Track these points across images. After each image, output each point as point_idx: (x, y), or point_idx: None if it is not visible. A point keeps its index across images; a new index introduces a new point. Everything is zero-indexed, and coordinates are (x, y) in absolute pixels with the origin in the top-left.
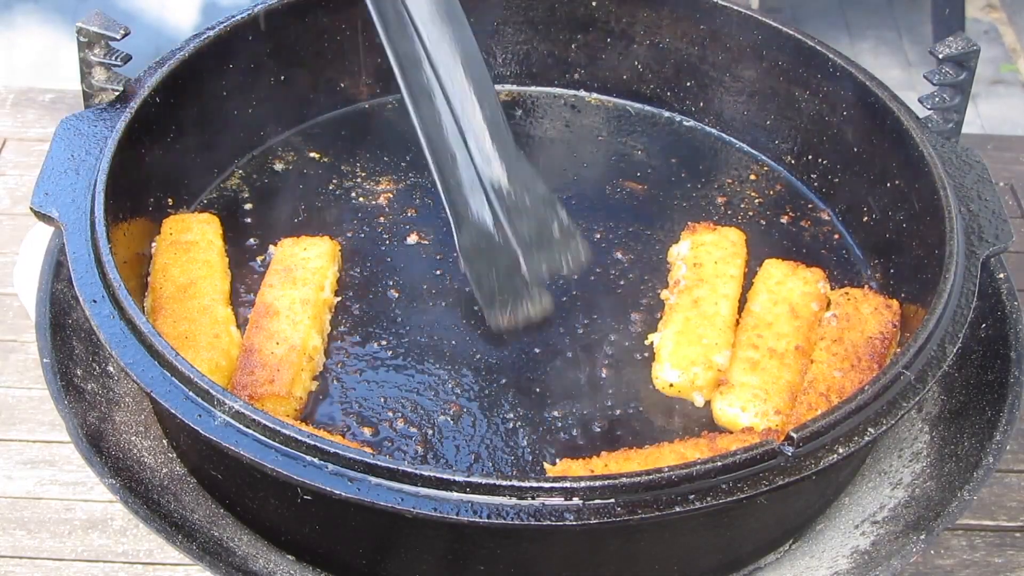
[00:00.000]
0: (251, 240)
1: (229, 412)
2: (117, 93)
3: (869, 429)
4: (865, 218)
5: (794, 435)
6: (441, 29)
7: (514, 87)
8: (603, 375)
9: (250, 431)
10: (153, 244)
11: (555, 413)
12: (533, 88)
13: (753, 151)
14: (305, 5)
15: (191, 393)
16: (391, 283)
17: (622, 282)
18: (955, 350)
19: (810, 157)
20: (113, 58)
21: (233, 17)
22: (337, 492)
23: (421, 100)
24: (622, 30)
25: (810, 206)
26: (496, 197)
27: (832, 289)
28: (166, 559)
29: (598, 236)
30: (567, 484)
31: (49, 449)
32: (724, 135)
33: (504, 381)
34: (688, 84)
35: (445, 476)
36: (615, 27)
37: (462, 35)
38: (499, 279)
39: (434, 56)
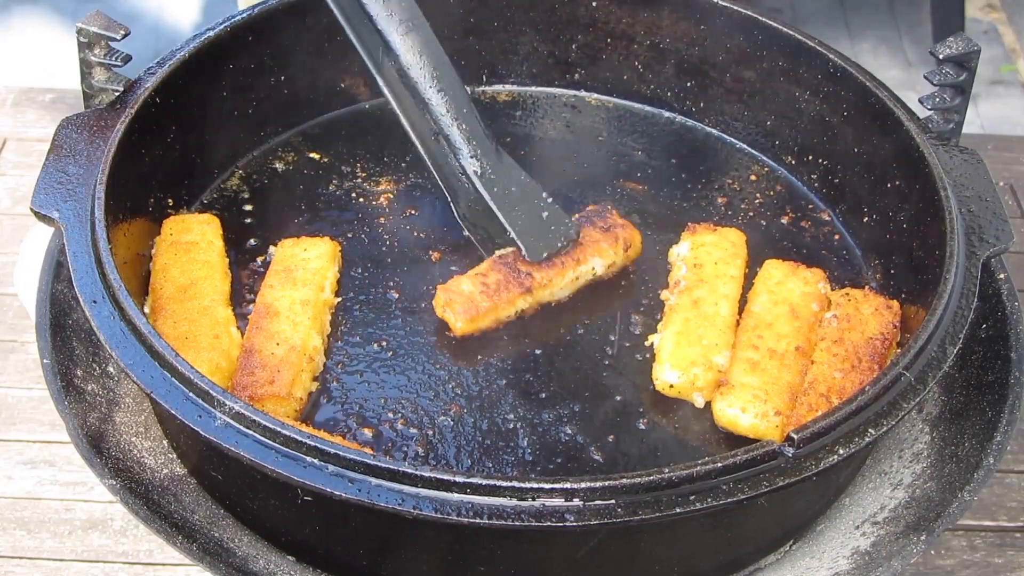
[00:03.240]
0: (251, 240)
1: (229, 413)
2: (117, 93)
3: (869, 430)
4: (865, 218)
5: (794, 436)
6: (406, 39)
7: (514, 87)
8: (603, 376)
9: (250, 432)
10: (153, 244)
11: (555, 414)
12: (533, 88)
13: (753, 151)
14: (305, 5)
15: (191, 394)
16: (391, 283)
17: (622, 282)
18: (955, 351)
19: (810, 157)
20: (113, 58)
21: (233, 17)
22: (338, 493)
23: (402, 98)
24: (622, 30)
25: (810, 206)
26: (484, 187)
27: (832, 289)
28: (166, 559)
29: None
30: (568, 485)
31: (49, 449)
32: (724, 135)
33: (504, 382)
34: (688, 84)
35: (446, 477)
36: (615, 27)
37: (427, 39)
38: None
39: (403, 61)
